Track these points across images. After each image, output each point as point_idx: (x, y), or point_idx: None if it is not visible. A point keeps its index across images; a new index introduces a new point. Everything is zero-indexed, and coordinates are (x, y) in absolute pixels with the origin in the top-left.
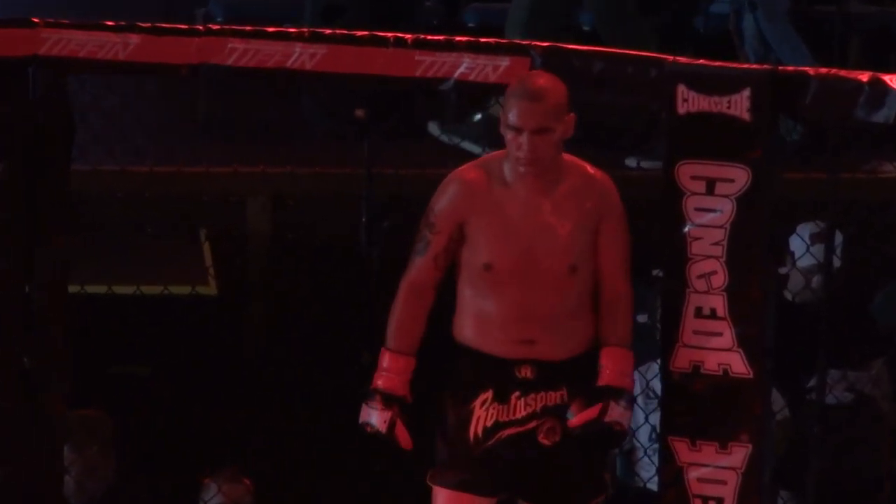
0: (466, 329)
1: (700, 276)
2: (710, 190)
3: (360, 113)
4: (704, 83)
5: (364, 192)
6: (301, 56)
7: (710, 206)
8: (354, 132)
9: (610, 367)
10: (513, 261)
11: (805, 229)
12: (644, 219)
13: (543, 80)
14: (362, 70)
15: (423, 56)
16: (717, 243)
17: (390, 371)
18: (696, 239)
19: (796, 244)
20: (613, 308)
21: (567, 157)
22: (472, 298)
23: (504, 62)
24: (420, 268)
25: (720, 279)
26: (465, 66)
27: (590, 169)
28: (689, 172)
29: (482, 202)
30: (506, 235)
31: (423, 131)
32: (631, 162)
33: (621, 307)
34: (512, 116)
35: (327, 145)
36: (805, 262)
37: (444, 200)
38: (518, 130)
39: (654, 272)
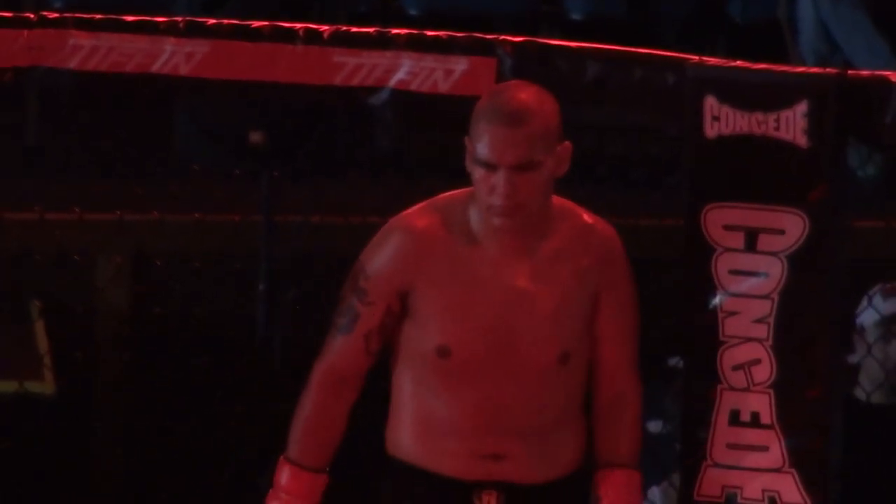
0: (405, 438)
1: (737, 367)
2: (752, 245)
3: (256, 138)
4: (743, 94)
5: (262, 248)
6: (174, 56)
7: (752, 268)
8: (248, 165)
9: (611, 497)
10: (479, 345)
11: (885, 301)
12: (656, 286)
13: (527, 94)
14: (260, 76)
15: (346, 56)
16: (760, 320)
17: (291, 492)
18: (732, 314)
19: (872, 322)
20: (616, 412)
21: (556, 200)
22: (415, 395)
23: (460, 65)
24: (343, 351)
25: (765, 371)
26: (405, 71)
27: (587, 217)
28: (721, 220)
29: (437, 262)
30: (470, 309)
31: (346, 164)
32: None
33: (628, 411)
34: (482, 148)
35: (209, 183)
36: (884, 346)
37: (383, 257)
38: (491, 167)
39: (671, 361)
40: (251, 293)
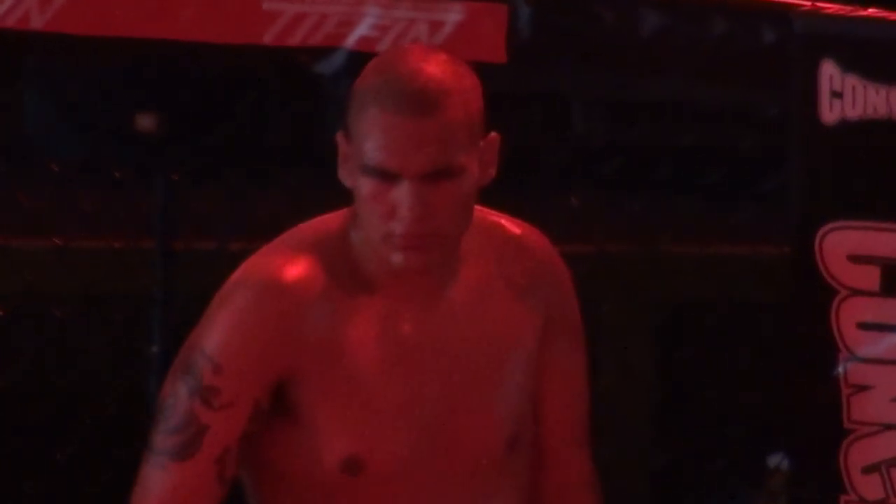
0: None
1: (870, 469)
2: (891, 285)
3: (145, 123)
4: (876, 59)
5: (156, 289)
6: (22, 3)
7: (892, 320)
8: (134, 163)
9: None
10: (403, 447)
11: None
12: (748, 345)
13: (436, 65)
14: (150, 33)
15: (281, 3)
16: None
17: None
18: (862, 389)
19: None
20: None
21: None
22: None
23: (452, 15)
24: (184, 484)
25: None
26: (370, 25)
27: (508, 224)
28: (845, 248)
29: (324, 330)
30: (384, 396)
31: (281, 162)
32: None
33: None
34: (374, 149)
35: (76, 190)
36: None
37: (239, 333)
38: (390, 177)
39: (772, 460)
40: (139, 355)
